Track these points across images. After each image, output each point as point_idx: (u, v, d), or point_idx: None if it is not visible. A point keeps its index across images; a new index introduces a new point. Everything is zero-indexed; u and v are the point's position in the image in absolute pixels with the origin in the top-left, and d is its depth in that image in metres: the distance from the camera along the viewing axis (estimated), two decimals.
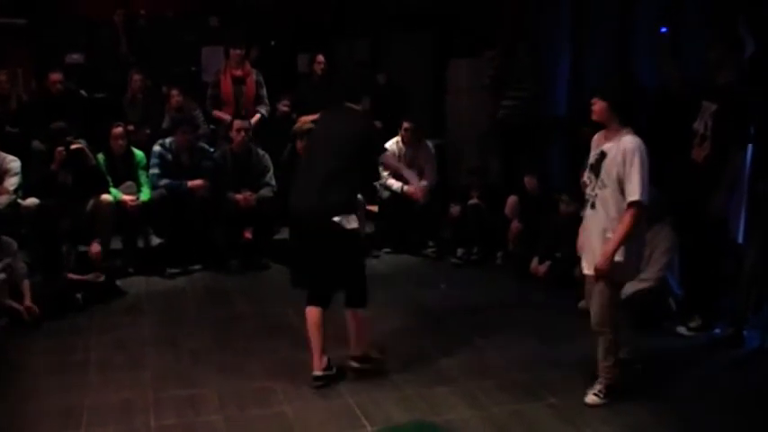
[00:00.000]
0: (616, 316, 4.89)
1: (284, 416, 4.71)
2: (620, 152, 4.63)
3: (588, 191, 4.88)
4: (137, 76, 9.03)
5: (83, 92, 9.34)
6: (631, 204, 4.59)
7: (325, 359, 5.13)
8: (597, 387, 4.96)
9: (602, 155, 4.76)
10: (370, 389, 5.06)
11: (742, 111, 5.77)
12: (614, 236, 4.64)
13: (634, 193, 4.57)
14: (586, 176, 4.91)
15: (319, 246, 5.05)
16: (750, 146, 6.05)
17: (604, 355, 4.94)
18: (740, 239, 6.78)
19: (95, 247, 7.20)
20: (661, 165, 6.38)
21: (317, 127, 5.58)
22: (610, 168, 4.68)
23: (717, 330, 6.07)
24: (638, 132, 4.69)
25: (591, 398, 4.94)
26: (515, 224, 7.82)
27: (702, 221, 5.92)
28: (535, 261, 7.36)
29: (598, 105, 4.76)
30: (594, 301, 4.88)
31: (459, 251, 8.39)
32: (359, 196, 8.18)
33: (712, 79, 5.94)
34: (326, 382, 5.08)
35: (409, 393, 5.03)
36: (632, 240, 4.69)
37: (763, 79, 6.04)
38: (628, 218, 4.61)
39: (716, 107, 5.81)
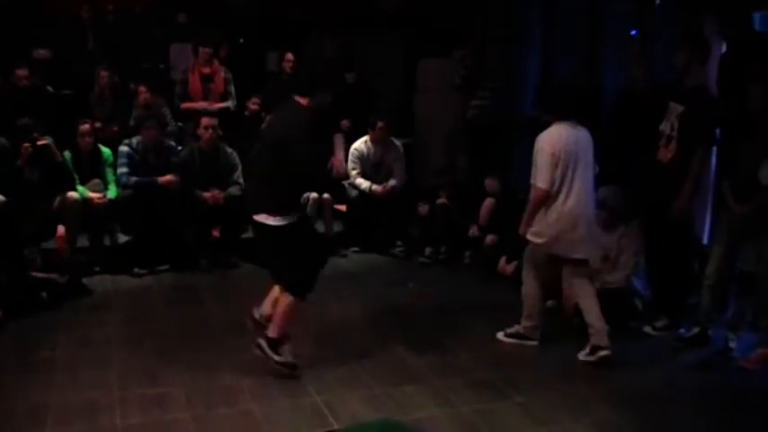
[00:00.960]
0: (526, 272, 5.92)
1: (251, 414, 4.70)
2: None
3: None
4: (104, 73, 8.96)
5: (49, 88, 9.24)
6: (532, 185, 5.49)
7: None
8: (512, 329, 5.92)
9: None
10: (337, 387, 5.06)
11: (708, 113, 5.84)
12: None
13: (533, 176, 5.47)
14: None
15: (257, 239, 5.49)
16: (715, 147, 6.11)
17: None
18: (705, 240, 6.85)
19: (60, 230, 7.13)
20: (627, 165, 6.47)
21: (266, 122, 5.74)
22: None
23: (682, 330, 6.12)
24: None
25: (500, 334, 5.98)
26: (490, 237, 7.82)
27: (668, 222, 5.97)
28: (503, 261, 7.38)
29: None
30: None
31: (428, 250, 8.40)
32: (318, 196, 8.26)
33: (680, 82, 6.00)
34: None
35: (377, 392, 5.03)
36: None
37: (732, 80, 6.11)
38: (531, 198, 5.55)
39: (683, 109, 5.87)
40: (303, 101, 5.18)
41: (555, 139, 5.43)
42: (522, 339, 5.91)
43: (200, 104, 8.78)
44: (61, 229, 7.05)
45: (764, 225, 5.51)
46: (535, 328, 5.89)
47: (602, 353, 5.50)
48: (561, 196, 5.45)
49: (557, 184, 5.42)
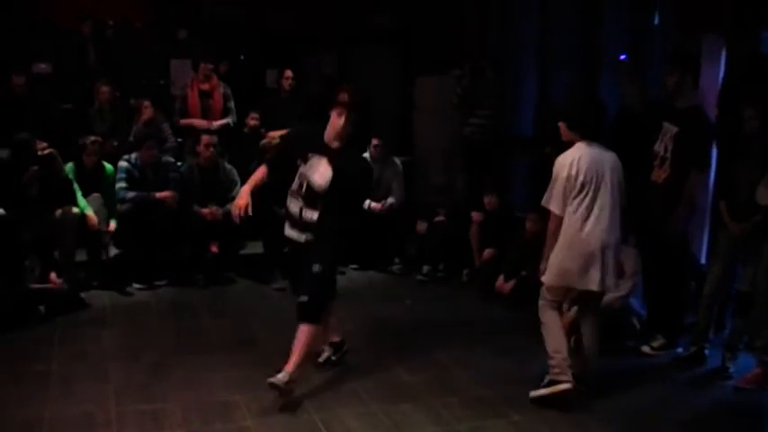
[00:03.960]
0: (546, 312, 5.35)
1: (247, 430, 4.69)
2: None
3: None
4: (104, 88, 8.97)
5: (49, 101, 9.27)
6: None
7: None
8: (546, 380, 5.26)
9: None
10: (333, 404, 5.06)
11: (702, 134, 5.87)
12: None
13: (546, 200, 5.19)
14: None
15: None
16: (711, 168, 6.14)
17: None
18: (703, 260, 6.87)
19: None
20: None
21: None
22: None
23: (679, 349, 6.14)
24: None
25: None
26: (488, 251, 7.84)
27: (663, 242, 5.99)
28: (500, 279, 7.39)
29: (561, 128, 5.20)
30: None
31: (425, 268, 8.41)
32: None
33: (670, 102, 6.04)
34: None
35: (374, 409, 5.03)
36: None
37: (733, 100, 6.15)
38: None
39: (676, 129, 5.89)
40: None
41: (576, 159, 5.04)
42: (551, 386, 5.18)
43: (200, 123, 8.81)
44: (53, 276, 6.95)
45: (760, 245, 5.53)
46: (559, 367, 5.17)
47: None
48: (578, 223, 5.03)
49: (576, 209, 5.04)
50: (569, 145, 5.14)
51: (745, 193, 5.57)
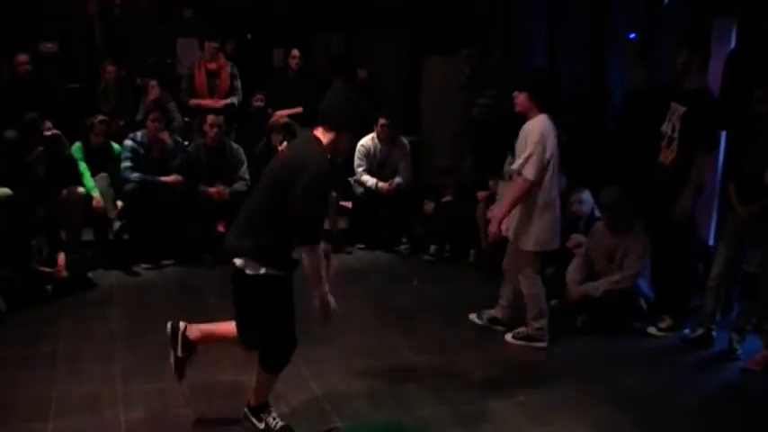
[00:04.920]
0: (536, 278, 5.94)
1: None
2: (524, 131, 5.61)
3: (507, 166, 6.10)
4: (110, 68, 8.95)
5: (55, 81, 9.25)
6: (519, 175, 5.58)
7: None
8: (520, 330, 5.98)
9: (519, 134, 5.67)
10: (339, 384, 5.07)
11: (710, 115, 5.83)
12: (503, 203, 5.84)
13: (520, 165, 5.54)
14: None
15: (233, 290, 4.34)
16: (720, 149, 6.11)
17: (528, 308, 5.91)
18: (711, 242, 6.85)
19: (61, 258, 6.95)
20: (630, 167, 6.47)
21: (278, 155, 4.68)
22: (519, 146, 5.65)
23: (686, 331, 6.13)
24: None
25: (508, 335, 6.02)
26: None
27: (671, 224, 5.97)
28: (507, 258, 7.36)
29: (519, 98, 5.61)
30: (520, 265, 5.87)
31: (432, 248, 8.41)
32: (333, 193, 8.22)
33: (679, 83, 6.00)
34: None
35: (379, 389, 5.04)
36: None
37: (739, 82, 6.11)
38: (516, 186, 5.65)
39: (684, 110, 5.86)
40: (326, 137, 4.17)
41: (546, 127, 5.54)
42: (530, 341, 5.89)
43: (207, 102, 8.80)
44: (61, 258, 6.92)
45: (765, 229, 5.50)
46: (543, 329, 5.87)
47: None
48: (552, 189, 5.64)
49: (549, 176, 5.59)
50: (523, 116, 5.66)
51: (753, 176, 5.54)
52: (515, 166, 5.62)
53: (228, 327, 4.46)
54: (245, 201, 4.51)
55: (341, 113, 4.20)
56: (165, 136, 7.98)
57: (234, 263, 4.16)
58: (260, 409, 4.43)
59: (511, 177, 5.93)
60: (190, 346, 4.57)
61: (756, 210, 5.55)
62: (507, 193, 5.78)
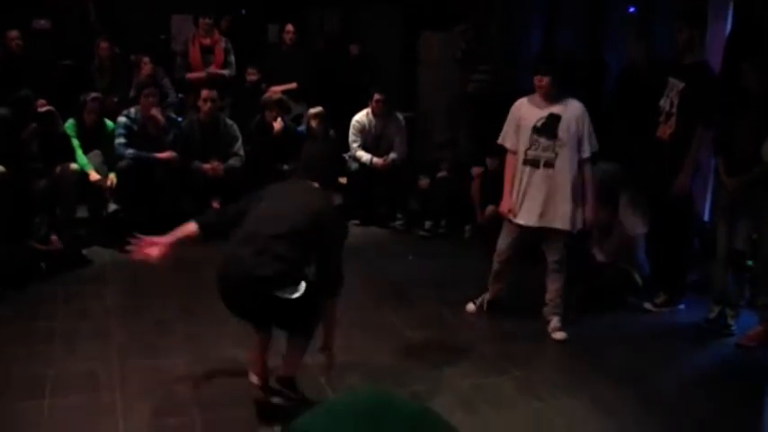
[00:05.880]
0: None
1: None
2: (579, 112, 5.39)
3: (538, 152, 5.43)
4: (104, 44, 8.90)
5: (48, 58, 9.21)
6: (587, 159, 5.43)
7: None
8: (559, 323, 5.66)
9: (555, 117, 5.36)
10: (336, 360, 5.06)
11: (709, 90, 5.81)
12: (591, 189, 5.49)
13: (593, 147, 5.42)
14: (530, 139, 5.46)
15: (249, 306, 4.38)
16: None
17: (560, 292, 5.67)
18: (706, 217, 6.85)
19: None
20: (627, 143, 6.46)
21: (266, 197, 4.62)
22: (569, 128, 5.33)
23: (681, 306, 6.14)
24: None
25: (559, 334, 5.63)
26: (490, 208, 7.83)
27: (668, 199, 5.96)
28: None
29: (545, 81, 5.39)
30: (559, 251, 5.56)
31: (428, 224, 8.40)
32: None
33: (679, 59, 5.97)
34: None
35: (375, 365, 5.05)
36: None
37: (736, 58, 6.08)
38: (591, 171, 5.47)
39: (683, 85, 5.84)
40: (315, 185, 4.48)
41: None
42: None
43: (199, 75, 8.77)
44: (56, 241, 6.89)
45: (758, 203, 5.48)
46: None
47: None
48: None
49: None
50: None
51: (743, 150, 5.52)
52: (587, 153, 5.43)
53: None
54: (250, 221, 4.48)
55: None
56: (158, 112, 7.93)
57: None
58: (294, 380, 4.53)
59: (541, 165, 5.46)
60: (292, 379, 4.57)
61: (744, 181, 5.52)
62: (590, 191, 5.48)
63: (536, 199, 5.45)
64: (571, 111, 5.39)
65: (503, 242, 5.82)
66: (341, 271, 4.37)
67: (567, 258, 5.61)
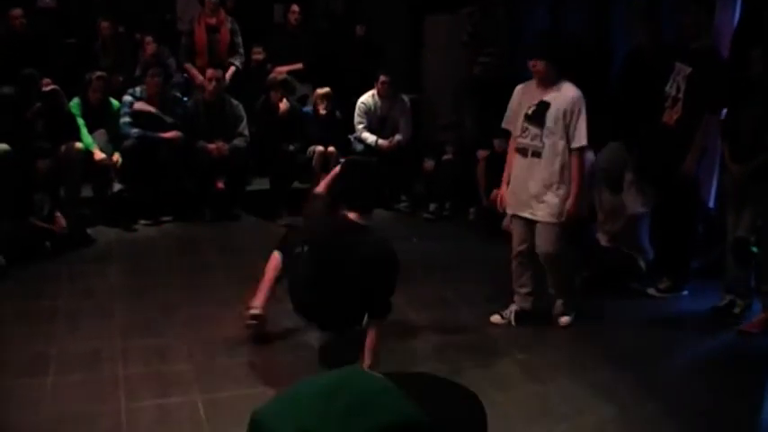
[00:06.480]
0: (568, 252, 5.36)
1: (253, 365, 4.73)
2: (568, 100, 5.03)
3: (527, 141, 5.17)
4: (105, 24, 8.86)
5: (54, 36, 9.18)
6: (579, 149, 5.07)
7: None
8: (566, 318, 5.47)
9: (545, 105, 5.06)
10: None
11: (717, 75, 5.77)
12: (574, 181, 5.07)
13: (582, 139, 5.03)
14: (521, 126, 5.21)
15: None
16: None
17: (562, 290, 5.44)
18: (711, 204, 6.82)
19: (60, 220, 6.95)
20: (633, 128, 6.43)
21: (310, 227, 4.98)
22: (557, 117, 5.02)
23: (685, 292, 6.13)
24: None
25: (564, 319, 5.45)
26: (496, 191, 7.80)
27: (674, 184, 5.94)
28: (507, 218, 7.33)
29: (539, 65, 5.06)
30: (549, 243, 5.21)
31: (432, 206, 8.39)
32: (324, 149, 8.21)
33: (686, 43, 5.93)
34: (260, 323, 4.96)
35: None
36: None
37: (745, 44, 6.04)
38: (578, 162, 5.07)
39: (690, 70, 5.80)
40: (354, 215, 4.63)
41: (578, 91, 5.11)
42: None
43: (209, 73, 8.56)
44: (59, 215, 6.88)
45: (761, 189, 5.45)
46: None
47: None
48: None
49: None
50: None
51: (749, 136, 5.49)
52: (575, 145, 5.05)
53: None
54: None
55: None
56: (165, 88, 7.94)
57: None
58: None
59: (529, 154, 5.21)
60: None
61: (749, 168, 5.49)
62: (574, 183, 5.06)
63: (521, 188, 5.26)
64: (562, 98, 5.05)
65: (514, 237, 5.52)
66: (390, 299, 4.53)
67: (564, 253, 5.30)
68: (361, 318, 4.60)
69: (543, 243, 5.23)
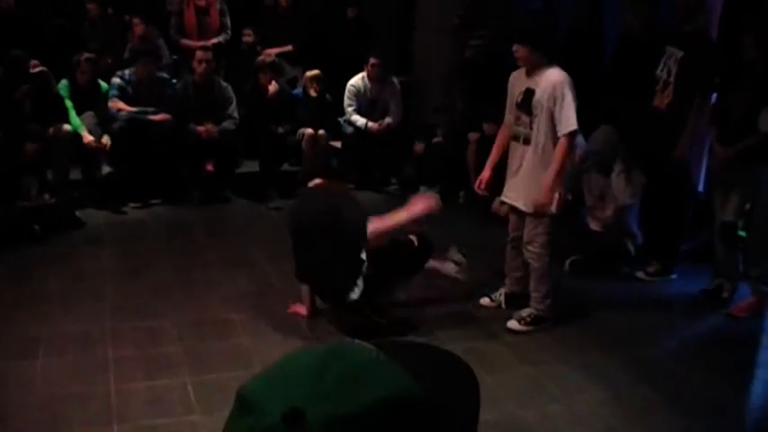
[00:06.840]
0: (550, 247, 5.13)
1: (243, 347, 4.73)
2: (550, 86, 4.82)
3: (520, 128, 5.08)
4: (91, 5, 8.82)
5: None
6: (568, 135, 4.84)
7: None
8: (525, 313, 5.21)
9: (530, 92, 4.94)
10: (328, 327, 5.07)
11: (709, 59, 5.77)
12: (552, 170, 4.87)
13: (568, 124, 4.81)
14: (515, 114, 5.11)
15: None
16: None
17: (537, 285, 5.20)
18: (701, 187, 6.84)
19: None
20: (623, 112, 6.42)
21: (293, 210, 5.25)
22: (540, 103, 4.88)
23: (674, 276, 6.15)
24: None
25: (513, 323, 5.19)
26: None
27: (664, 168, 5.94)
28: (497, 201, 7.35)
29: (521, 51, 4.93)
30: (532, 234, 5.11)
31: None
32: (314, 132, 8.20)
33: (680, 26, 5.92)
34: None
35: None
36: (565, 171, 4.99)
37: (734, 28, 6.03)
38: (564, 149, 4.86)
39: (682, 54, 5.79)
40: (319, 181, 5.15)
41: (570, 80, 4.88)
42: (539, 324, 5.26)
43: (195, 43, 8.67)
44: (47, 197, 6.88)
45: (751, 173, 5.45)
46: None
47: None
48: None
49: None
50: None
51: (737, 121, 5.49)
52: (562, 131, 4.82)
53: None
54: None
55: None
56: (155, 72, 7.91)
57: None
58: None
59: (520, 141, 5.10)
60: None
61: (736, 151, 5.47)
62: (551, 170, 4.86)
63: (510, 175, 5.21)
64: (545, 84, 4.87)
65: (510, 222, 5.45)
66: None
67: (546, 248, 5.10)
68: (353, 282, 4.79)
69: (530, 234, 5.13)
